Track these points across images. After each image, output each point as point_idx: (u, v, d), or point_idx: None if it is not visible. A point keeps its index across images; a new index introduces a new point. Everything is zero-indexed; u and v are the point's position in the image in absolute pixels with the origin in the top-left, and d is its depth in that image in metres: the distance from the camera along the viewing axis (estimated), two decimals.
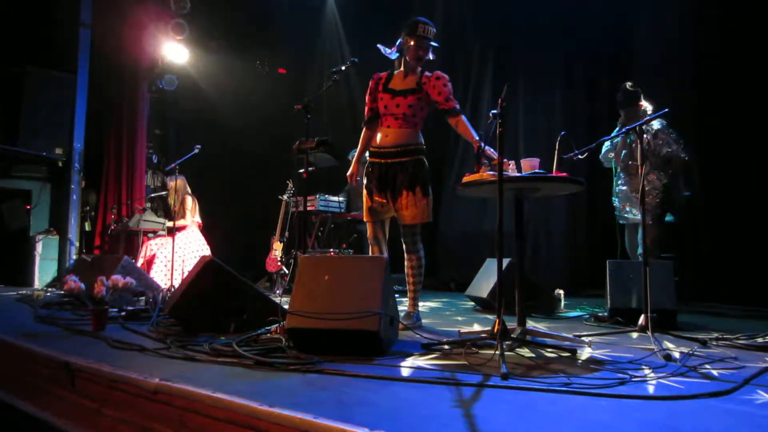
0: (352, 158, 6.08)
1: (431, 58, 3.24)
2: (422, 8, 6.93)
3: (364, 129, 3.39)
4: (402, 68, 3.24)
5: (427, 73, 3.20)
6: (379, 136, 3.24)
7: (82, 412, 1.94)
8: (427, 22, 3.14)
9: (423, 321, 3.36)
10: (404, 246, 3.24)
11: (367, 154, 3.40)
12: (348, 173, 3.46)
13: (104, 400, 1.87)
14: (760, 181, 4.70)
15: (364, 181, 3.30)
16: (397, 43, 3.21)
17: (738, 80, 4.85)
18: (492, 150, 2.92)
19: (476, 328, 2.95)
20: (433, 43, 3.17)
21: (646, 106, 4.11)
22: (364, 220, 3.32)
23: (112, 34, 7.06)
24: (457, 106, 3.18)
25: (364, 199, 3.29)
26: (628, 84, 4.15)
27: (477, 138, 3.06)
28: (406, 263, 3.25)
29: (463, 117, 3.15)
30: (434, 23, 3.20)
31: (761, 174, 4.70)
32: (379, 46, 3.16)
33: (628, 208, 4.33)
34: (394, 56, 3.27)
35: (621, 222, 4.43)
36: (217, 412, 1.51)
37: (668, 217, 4.36)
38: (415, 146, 3.17)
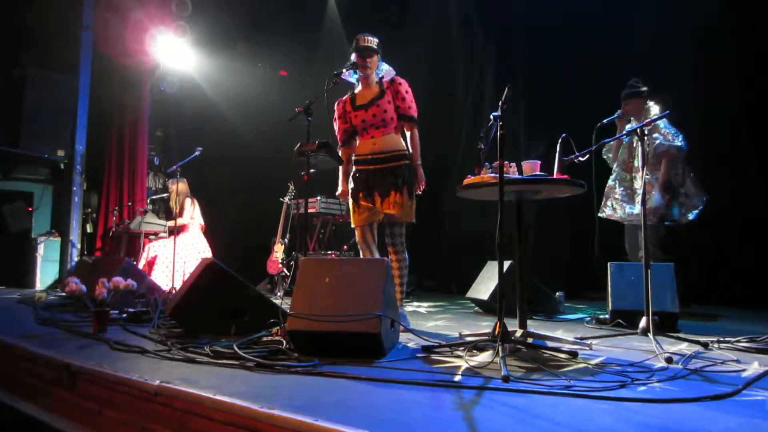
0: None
1: (384, 68, 3.36)
2: (422, 10, 6.96)
3: (341, 150, 3.46)
4: (360, 85, 3.35)
5: (386, 79, 3.34)
6: (365, 146, 3.31)
7: (82, 413, 1.94)
8: (366, 35, 3.29)
9: (426, 324, 3.37)
10: (391, 248, 3.27)
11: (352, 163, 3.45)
12: (338, 192, 3.51)
13: (105, 401, 1.87)
14: (762, 183, 4.69)
15: (350, 189, 3.36)
16: (350, 63, 3.28)
17: (740, 81, 4.85)
18: (422, 173, 3.26)
19: (477, 330, 2.94)
20: (372, 45, 3.24)
21: (652, 106, 4.09)
22: (353, 225, 3.35)
23: (113, 36, 7.08)
24: (416, 116, 3.32)
25: (351, 206, 3.35)
26: (633, 79, 4.15)
27: (419, 162, 3.28)
28: (392, 265, 3.26)
29: (417, 131, 3.32)
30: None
31: (764, 175, 4.69)
32: (342, 73, 3.18)
33: (609, 203, 4.30)
34: (353, 77, 3.37)
35: (599, 215, 4.37)
36: (217, 415, 1.51)
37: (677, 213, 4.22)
38: (401, 151, 3.28)
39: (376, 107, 3.25)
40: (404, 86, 3.31)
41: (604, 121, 3.42)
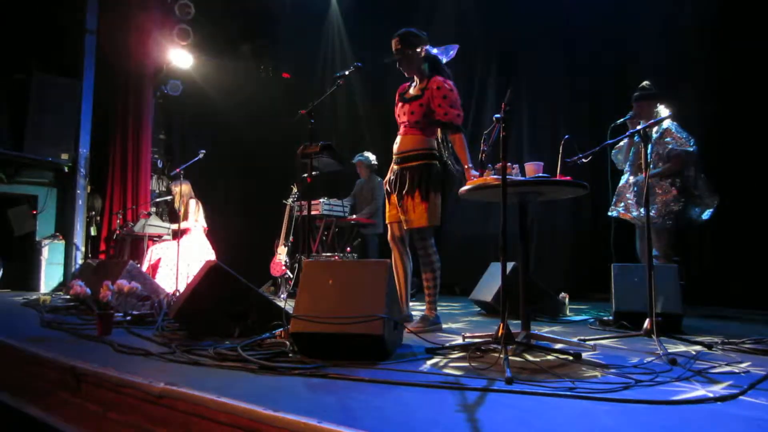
0: (356, 162, 6.12)
1: (442, 59, 3.27)
2: (425, 12, 6.96)
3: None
4: None
5: (435, 79, 3.17)
6: (396, 142, 3.35)
7: (87, 416, 1.94)
8: (397, 35, 3.19)
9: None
10: (417, 251, 3.29)
11: None
12: (385, 180, 3.53)
13: (109, 404, 1.88)
14: (766, 184, 4.68)
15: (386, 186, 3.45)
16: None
17: (741, 85, 4.83)
18: (476, 174, 2.98)
19: (480, 332, 2.94)
20: (392, 48, 3.19)
21: (662, 109, 4.08)
22: (386, 222, 3.46)
23: (117, 40, 7.12)
24: (457, 122, 3.15)
25: (386, 201, 3.44)
26: (646, 82, 4.15)
27: (470, 165, 3.09)
28: (421, 268, 3.33)
29: (463, 136, 3.16)
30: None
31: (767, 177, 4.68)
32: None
33: (622, 203, 4.31)
34: None
35: (610, 214, 4.38)
36: (221, 417, 1.51)
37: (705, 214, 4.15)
38: (421, 151, 3.21)
39: (408, 106, 3.22)
40: (443, 90, 3.10)
41: (618, 121, 3.43)
